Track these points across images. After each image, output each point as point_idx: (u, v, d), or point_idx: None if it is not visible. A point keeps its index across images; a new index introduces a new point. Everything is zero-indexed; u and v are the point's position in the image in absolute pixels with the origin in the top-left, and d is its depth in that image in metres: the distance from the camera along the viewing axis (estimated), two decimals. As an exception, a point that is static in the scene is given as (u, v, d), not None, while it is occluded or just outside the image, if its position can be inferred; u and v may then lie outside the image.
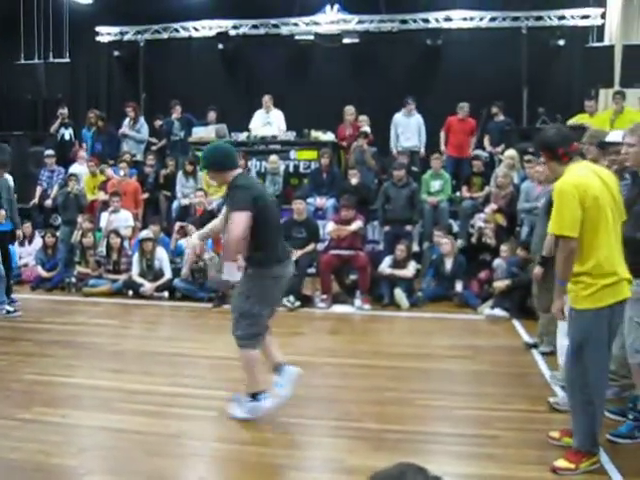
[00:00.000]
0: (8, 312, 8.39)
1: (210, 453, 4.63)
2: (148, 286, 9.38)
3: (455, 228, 10.67)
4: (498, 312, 8.20)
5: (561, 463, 4.18)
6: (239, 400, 5.12)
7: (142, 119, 13.05)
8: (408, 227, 10.08)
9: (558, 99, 12.72)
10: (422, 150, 12.06)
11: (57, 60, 14.12)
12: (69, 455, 4.50)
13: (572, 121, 10.90)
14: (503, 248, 8.66)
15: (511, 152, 10.25)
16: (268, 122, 12.37)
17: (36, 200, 12.00)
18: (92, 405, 5.49)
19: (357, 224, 9.29)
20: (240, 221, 4.68)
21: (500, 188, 9.74)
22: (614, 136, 5.07)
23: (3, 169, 8.31)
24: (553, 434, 4.62)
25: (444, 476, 1.76)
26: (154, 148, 12.90)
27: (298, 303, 8.87)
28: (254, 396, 5.04)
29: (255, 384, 5.05)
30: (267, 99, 12.38)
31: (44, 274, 10.33)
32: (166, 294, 9.44)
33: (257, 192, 4.92)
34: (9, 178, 9.40)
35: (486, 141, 11.95)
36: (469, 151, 11.97)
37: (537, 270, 6.49)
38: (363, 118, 12.33)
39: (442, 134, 12.08)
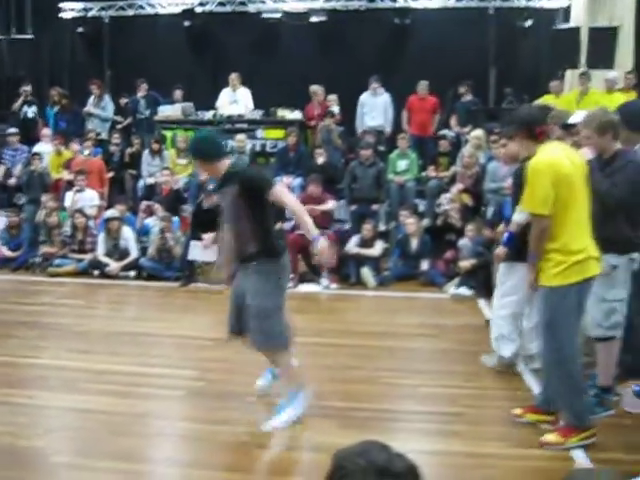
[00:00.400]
0: None
1: (177, 432, 4.65)
2: (114, 265, 9.32)
3: (421, 207, 10.71)
4: (463, 291, 8.29)
5: (549, 438, 4.28)
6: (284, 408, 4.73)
7: (107, 97, 12.86)
8: (375, 206, 10.09)
9: (525, 80, 12.78)
10: (388, 129, 12.05)
11: (20, 36, 13.87)
12: (36, 436, 4.49)
13: (538, 102, 10.98)
14: (469, 228, 8.73)
15: (478, 132, 10.31)
16: (235, 100, 12.26)
17: (-1, 179, 11.81)
18: (59, 386, 5.47)
19: (331, 204, 9.30)
20: (285, 191, 4.74)
21: (466, 168, 9.79)
22: (577, 117, 5.13)
23: None
24: (516, 411, 4.71)
25: (409, 453, 1.79)
26: (120, 127, 12.73)
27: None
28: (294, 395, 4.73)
29: (296, 385, 4.78)
30: (234, 77, 12.26)
31: (8, 254, 10.19)
32: (132, 273, 9.39)
33: None
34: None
35: (453, 121, 11.97)
36: (432, 129, 11.99)
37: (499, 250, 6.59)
38: (332, 97, 12.28)
39: (404, 113, 12.04)
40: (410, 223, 9.25)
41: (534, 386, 5.27)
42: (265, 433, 4.54)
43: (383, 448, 1.74)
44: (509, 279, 5.51)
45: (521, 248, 4.70)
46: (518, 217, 5.16)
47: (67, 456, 4.25)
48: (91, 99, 12.72)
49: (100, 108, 12.71)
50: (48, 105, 12.92)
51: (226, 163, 4.75)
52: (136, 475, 3.95)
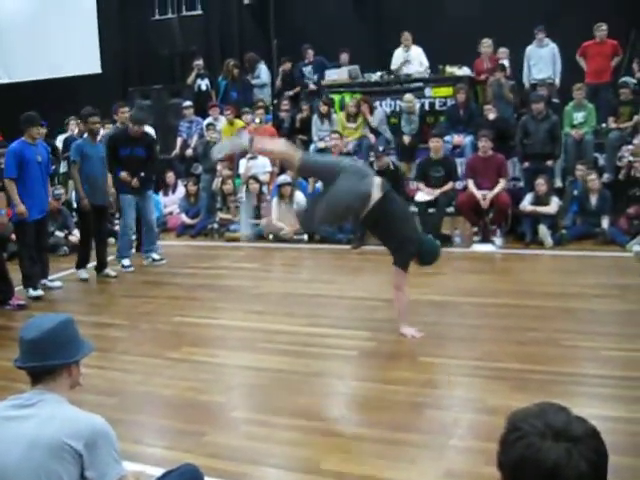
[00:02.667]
0: (154, 260, 8.78)
1: (350, 392, 4.70)
2: (288, 229, 9.52)
3: (601, 161, 10.14)
4: (649, 249, 7.77)
5: None
6: None
7: (260, 65, 13.13)
8: (549, 162, 9.65)
9: None
10: (557, 81, 11.43)
11: (190, 13, 14.42)
12: (217, 392, 4.70)
13: None
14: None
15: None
16: (407, 60, 12.09)
17: (177, 150, 12.38)
18: (237, 345, 5.70)
19: (502, 184, 9.03)
20: None
21: (651, 117, 9.14)
22: None
23: (138, 126, 8.53)
24: None
25: (589, 419, 1.67)
26: (290, 94, 12.93)
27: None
28: None
29: None
30: (406, 36, 12.03)
31: (188, 221, 10.73)
32: (306, 237, 9.56)
33: None
34: (152, 132, 9.78)
35: (635, 66, 11.11)
36: (609, 76, 11.19)
37: None
38: (502, 50, 11.83)
39: (580, 61, 11.31)
40: (591, 180, 8.78)
41: None
42: (439, 394, 4.50)
43: (561, 410, 1.65)
44: None
45: None
46: None
47: (245, 412, 4.41)
48: (249, 75, 13.07)
49: (255, 77, 13.00)
50: (220, 77, 13.34)
51: None
52: (311, 432, 4.02)
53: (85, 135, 8.53)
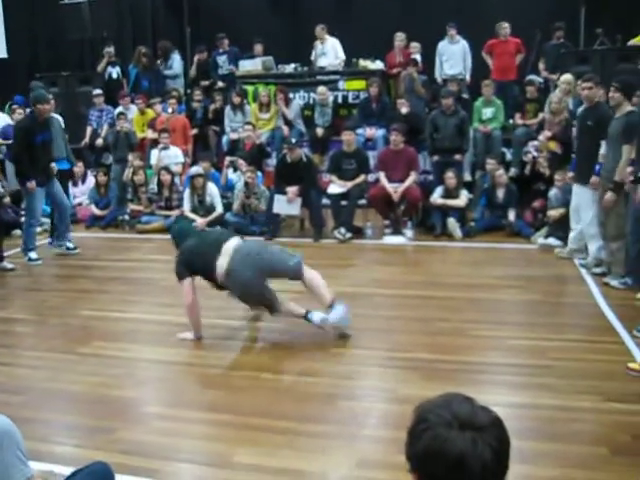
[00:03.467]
0: (68, 248, 8.58)
1: (262, 384, 4.69)
2: (200, 221, 9.43)
3: (508, 156, 10.44)
4: (552, 241, 8.05)
5: (634, 365, 4.28)
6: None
7: (174, 55, 12.91)
8: (457, 156, 9.87)
9: (618, 19, 12.13)
10: (467, 77, 11.72)
11: (100, -3, 14.05)
12: (128, 387, 4.63)
13: (633, 42, 10.44)
14: (557, 177, 8.43)
15: (567, 76, 9.86)
16: (323, 53, 12.11)
17: (87, 140, 12.06)
18: (148, 339, 5.62)
19: (413, 176, 9.16)
20: None
21: (554, 114, 9.43)
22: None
23: (45, 105, 8.26)
24: (633, 365, 4.55)
25: (496, 406, 1.73)
26: (206, 84, 12.77)
27: (349, 235, 8.86)
28: None
29: None
30: (319, 30, 12.03)
31: (98, 212, 10.49)
32: (218, 229, 9.49)
33: None
34: (59, 119, 9.49)
35: (541, 65, 11.51)
36: (515, 74, 11.53)
37: (609, 196, 6.39)
38: (415, 45, 12.01)
39: (487, 57, 11.62)
40: (499, 175, 9.03)
41: (628, 340, 5.11)
42: (351, 385, 4.55)
43: (466, 400, 1.70)
44: None
45: None
46: None
47: (157, 406, 4.36)
48: (158, 62, 12.87)
49: (167, 67, 12.82)
50: (131, 64, 13.06)
51: None
52: (223, 425, 4.02)
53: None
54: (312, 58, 12.18)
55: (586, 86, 7.03)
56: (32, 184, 7.94)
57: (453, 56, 11.73)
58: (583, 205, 7.13)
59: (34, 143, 8.08)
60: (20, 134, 8.15)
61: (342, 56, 12.06)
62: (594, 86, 7.02)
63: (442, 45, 11.81)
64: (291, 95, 11.58)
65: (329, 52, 12.09)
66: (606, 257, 6.88)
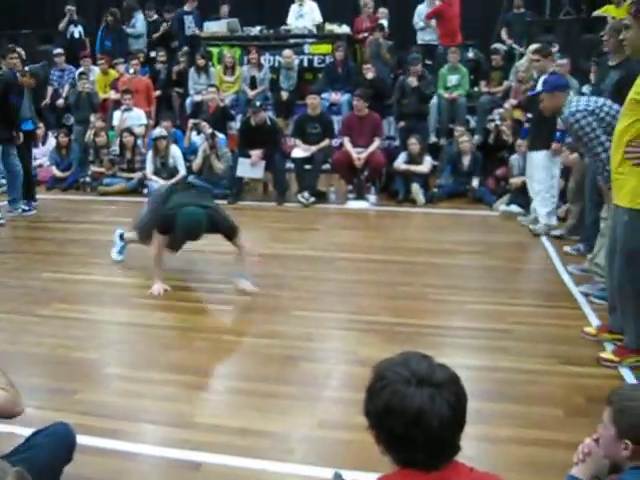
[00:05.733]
0: (23, 210, 8.47)
1: (223, 346, 4.71)
2: (162, 184, 9.36)
3: (472, 124, 10.49)
4: (514, 208, 8.14)
5: (606, 355, 4.26)
6: None
7: (137, 14, 12.65)
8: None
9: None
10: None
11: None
12: (90, 349, 4.61)
13: (597, 12, 10.47)
14: (519, 143, 8.50)
15: (535, 46, 9.87)
16: (300, 15, 11.98)
17: (48, 100, 11.84)
18: (110, 301, 5.59)
19: (377, 142, 9.14)
20: None
21: (521, 82, 9.48)
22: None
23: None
24: (589, 330, 4.65)
25: (454, 368, 1.77)
26: (173, 45, 12.53)
27: (313, 199, 8.86)
28: None
29: None
30: None
31: (59, 174, 10.32)
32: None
33: None
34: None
35: (504, 34, 11.51)
36: (460, 37, 11.47)
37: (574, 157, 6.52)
38: (383, 10, 11.95)
39: (432, 23, 11.58)
40: (464, 141, 9.08)
41: (584, 305, 5.22)
42: (313, 347, 4.59)
43: (424, 358, 1.74)
44: None
45: None
46: None
47: (118, 368, 4.36)
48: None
49: (130, 26, 12.58)
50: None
51: None
52: (185, 386, 4.03)
53: None
54: (288, 20, 12.02)
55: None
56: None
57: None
58: (534, 168, 7.24)
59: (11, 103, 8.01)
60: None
61: (319, 19, 11.91)
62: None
63: (420, 8, 11.73)
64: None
65: (307, 14, 11.93)
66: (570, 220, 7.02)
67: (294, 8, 12.06)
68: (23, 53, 8.93)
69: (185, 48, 12.18)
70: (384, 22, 11.54)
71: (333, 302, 5.44)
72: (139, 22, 12.64)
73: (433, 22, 11.53)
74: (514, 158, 8.56)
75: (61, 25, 12.76)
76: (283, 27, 11.96)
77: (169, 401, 3.87)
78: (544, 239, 7.10)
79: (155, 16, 12.72)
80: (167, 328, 4.94)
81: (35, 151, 10.65)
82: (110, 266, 6.40)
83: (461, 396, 1.69)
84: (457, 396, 1.67)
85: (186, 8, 12.53)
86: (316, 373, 4.19)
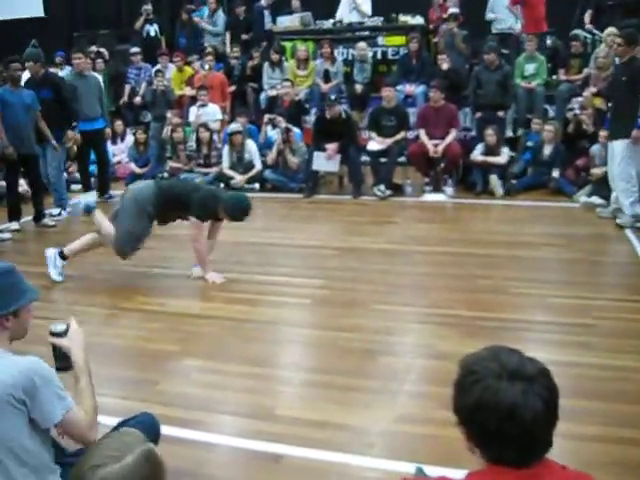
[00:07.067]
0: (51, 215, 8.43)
1: (303, 339, 4.73)
2: (239, 178, 9.45)
3: (551, 113, 10.23)
4: (595, 199, 7.90)
5: None
6: None
7: (220, 11, 12.80)
8: (500, 113, 9.71)
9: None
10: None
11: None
12: (169, 341, 4.68)
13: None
14: (602, 134, 8.24)
15: (611, 29, 9.57)
16: (354, 8, 11.94)
17: (125, 98, 12.10)
18: (189, 294, 5.67)
19: (453, 133, 9.03)
20: None
21: (600, 69, 9.20)
22: None
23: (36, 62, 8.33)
24: None
25: (539, 362, 1.71)
26: (246, 37, 12.63)
27: (389, 192, 8.79)
28: None
29: None
30: None
31: (137, 170, 10.51)
32: (257, 186, 9.50)
33: None
34: (98, 77, 9.52)
35: (587, 18, 11.10)
36: (545, 25, 11.11)
37: None
38: (452, -1, 11.76)
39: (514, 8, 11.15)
40: (548, 130, 8.86)
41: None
42: (391, 341, 4.55)
43: (513, 352, 1.69)
44: None
45: None
46: None
47: (198, 359, 4.40)
48: (205, 12, 12.74)
49: (212, 22, 12.70)
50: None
51: None
52: (265, 379, 4.05)
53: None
54: (337, 13, 11.97)
55: (617, 42, 6.86)
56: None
57: (502, 9, 11.33)
58: (615, 158, 7.02)
59: None
60: None
61: (369, 12, 11.82)
62: (623, 43, 6.86)
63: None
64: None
65: (359, 6, 11.86)
66: None
67: (344, 1, 12.01)
68: (106, 53, 9.13)
69: (264, 43, 12.24)
70: (456, 10, 11.27)
71: (411, 295, 5.39)
72: (220, 19, 12.76)
73: (517, 9, 11.18)
74: (595, 148, 8.31)
75: (137, 24, 13.00)
76: (332, 20, 11.95)
77: (248, 393, 3.89)
78: (629, 232, 6.87)
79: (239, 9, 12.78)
80: (245, 321, 4.97)
81: (113, 148, 10.92)
82: (188, 260, 6.48)
83: (553, 390, 1.64)
84: (549, 390, 1.62)
85: (263, 3, 12.58)
86: (395, 367, 4.15)
